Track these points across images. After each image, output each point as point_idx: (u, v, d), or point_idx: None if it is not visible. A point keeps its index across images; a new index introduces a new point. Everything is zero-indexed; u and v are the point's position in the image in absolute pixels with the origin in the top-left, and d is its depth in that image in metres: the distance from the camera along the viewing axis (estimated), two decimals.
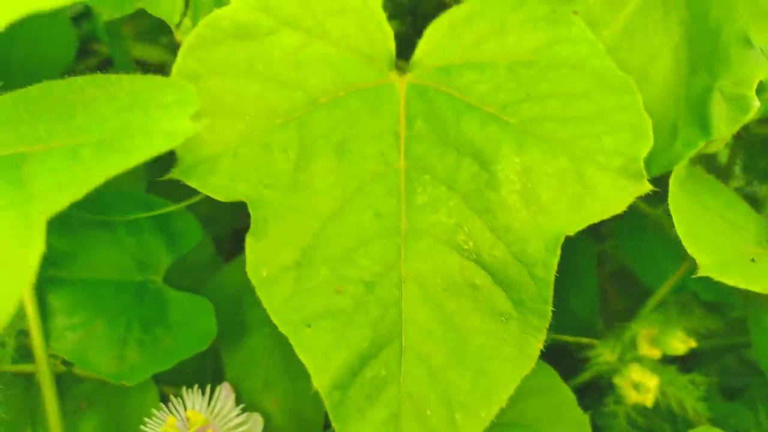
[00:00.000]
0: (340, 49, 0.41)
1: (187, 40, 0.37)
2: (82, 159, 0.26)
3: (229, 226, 0.65)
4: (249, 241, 0.34)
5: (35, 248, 0.20)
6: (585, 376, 0.53)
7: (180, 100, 0.28)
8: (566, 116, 0.38)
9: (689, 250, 0.34)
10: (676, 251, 0.49)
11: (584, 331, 0.57)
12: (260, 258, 0.34)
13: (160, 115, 0.27)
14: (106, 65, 0.71)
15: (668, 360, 0.51)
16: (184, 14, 0.47)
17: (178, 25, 0.47)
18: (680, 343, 0.49)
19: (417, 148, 0.40)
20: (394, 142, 0.40)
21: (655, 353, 0.50)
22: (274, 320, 0.32)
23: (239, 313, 0.51)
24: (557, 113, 0.38)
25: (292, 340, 0.32)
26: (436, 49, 0.43)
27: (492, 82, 0.41)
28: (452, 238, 0.36)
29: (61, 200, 0.23)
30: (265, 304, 0.33)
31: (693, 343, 0.48)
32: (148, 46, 0.73)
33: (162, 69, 0.65)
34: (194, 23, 0.46)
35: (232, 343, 0.50)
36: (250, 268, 0.34)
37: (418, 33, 0.45)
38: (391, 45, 0.43)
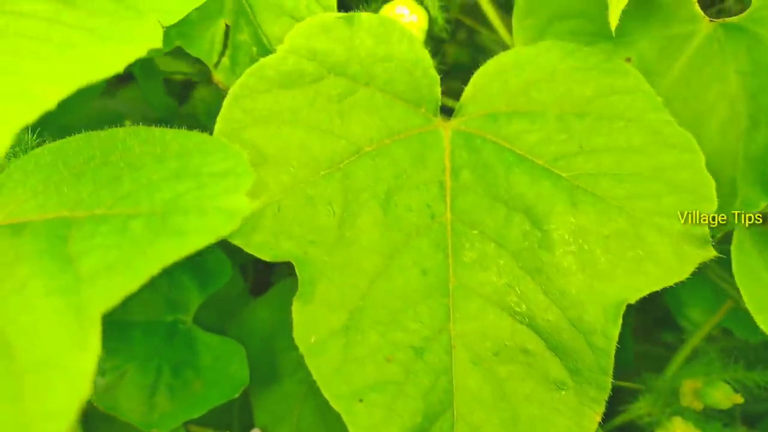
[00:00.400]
0: (385, 96, 0.40)
1: (233, 89, 0.35)
2: (133, 236, 0.25)
3: None
4: (296, 306, 0.33)
5: (91, 352, 0.19)
6: (622, 419, 0.52)
7: (233, 170, 0.27)
8: (622, 173, 0.37)
9: (762, 327, 0.33)
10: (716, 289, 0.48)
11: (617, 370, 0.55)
12: (308, 323, 0.33)
13: (215, 188, 0.26)
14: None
15: (711, 413, 0.49)
16: (222, 54, 0.46)
17: (216, 65, 0.45)
18: (725, 398, 0.47)
19: (463, 200, 0.38)
20: (440, 193, 0.39)
21: (698, 405, 0.49)
22: (325, 393, 0.31)
23: (270, 355, 0.50)
24: (612, 169, 0.37)
25: (344, 417, 0.31)
26: (483, 95, 0.41)
27: (542, 133, 0.39)
28: (503, 299, 0.35)
29: (113, 290, 0.22)
30: (315, 375, 0.32)
31: (739, 399, 0.47)
32: (175, 61, 0.72)
33: (189, 85, 0.64)
34: (233, 63, 0.45)
35: (262, 387, 0.49)
36: (297, 335, 0.32)
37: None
38: (437, 90, 0.42)
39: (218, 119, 0.35)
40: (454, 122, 0.42)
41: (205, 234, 0.23)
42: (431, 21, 0.48)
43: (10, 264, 0.25)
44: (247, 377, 0.45)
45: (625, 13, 0.41)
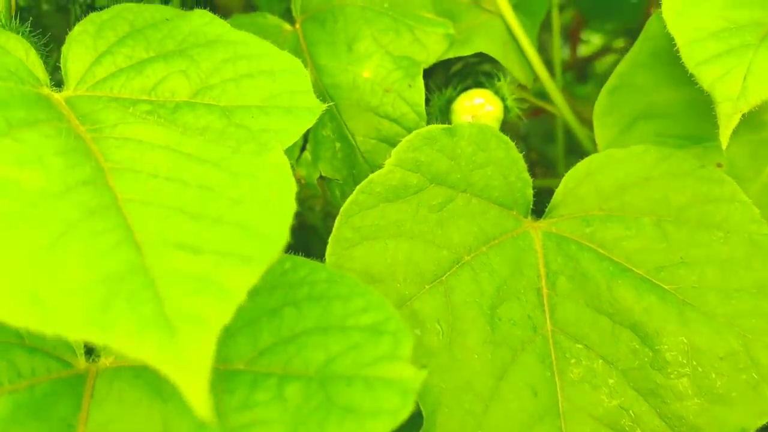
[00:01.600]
0: (480, 201, 0.40)
1: (344, 208, 0.35)
2: (296, 409, 0.24)
3: None
4: None
5: None
6: None
7: (385, 327, 0.26)
8: (728, 288, 0.37)
9: None
10: None
11: None
12: None
13: (372, 351, 0.25)
14: None
15: None
16: (303, 148, 0.45)
17: (297, 159, 0.45)
18: None
19: (563, 310, 0.38)
20: (538, 301, 0.39)
21: None
22: None
23: None
24: (717, 283, 0.37)
25: None
26: (574, 197, 0.41)
27: (640, 241, 0.39)
28: (616, 422, 0.35)
29: None
30: None
31: None
32: None
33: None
34: (314, 158, 0.44)
35: None
36: None
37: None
38: (529, 192, 0.41)
39: (330, 240, 0.35)
40: (543, 223, 0.42)
41: (382, 419, 0.22)
42: (506, 109, 0.48)
43: None
44: None
45: (710, 118, 0.41)
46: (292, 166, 0.45)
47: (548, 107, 0.64)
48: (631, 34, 1.11)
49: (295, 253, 0.31)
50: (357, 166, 0.44)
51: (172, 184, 0.28)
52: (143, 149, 0.31)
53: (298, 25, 0.49)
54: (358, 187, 0.35)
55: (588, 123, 0.69)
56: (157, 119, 0.34)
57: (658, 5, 0.40)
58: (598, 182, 0.41)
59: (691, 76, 0.37)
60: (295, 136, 0.34)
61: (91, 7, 0.60)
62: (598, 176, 0.41)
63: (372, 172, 0.44)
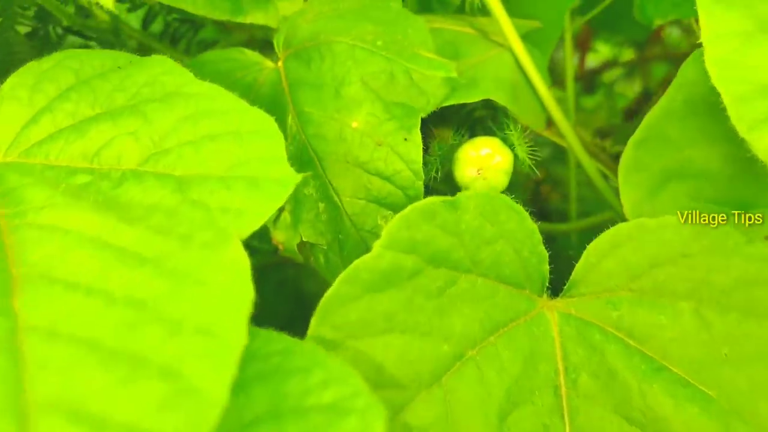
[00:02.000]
0: (487, 282, 0.33)
1: (321, 304, 0.29)
2: None
3: None
4: None
5: None
6: None
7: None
8: None
9: None
10: None
11: None
12: None
13: None
14: None
15: None
16: (282, 208, 0.39)
17: (275, 221, 0.39)
18: None
19: (586, 416, 0.32)
20: (555, 404, 0.32)
21: None
22: None
23: None
24: None
25: None
26: (597, 273, 0.35)
27: (677, 330, 0.33)
28: None
29: None
30: None
31: None
32: None
33: None
34: (295, 220, 0.38)
35: None
36: None
37: None
38: (545, 268, 0.35)
39: (306, 340, 0.29)
40: (560, 303, 0.35)
41: None
42: (517, 161, 0.42)
43: None
44: None
45: (757, 181, 0.35)
46: (268, 229, 0.39)
47: (561, 142, 0.59)
48: (640, 46, 1.06)
49: None
50: (343, 231, 0.38)
51: (93, 299, 0.22)
52: (69, 244, 0.25)
53: (280, 63, 0.43)
54: (340, 276, 0.29)
55: (598, 149, 0.63)
56: (95, 197, 0.28)
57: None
58: (627, 257, 0.35)
59: (735, 132, 0.31)
60: (260, 219, 0.28)
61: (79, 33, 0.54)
62: (626, 250, 0.35)
63: (360, 236, 0.38)
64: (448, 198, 0.32)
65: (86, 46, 0.55)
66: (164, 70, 0.33)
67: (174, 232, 0.27)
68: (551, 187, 0.88)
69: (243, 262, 0.25)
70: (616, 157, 0.64)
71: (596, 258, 0.35)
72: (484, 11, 0.45)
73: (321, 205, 0.38)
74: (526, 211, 0.43)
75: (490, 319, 0.33)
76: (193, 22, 0.61)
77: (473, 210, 0.32)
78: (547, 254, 0.35)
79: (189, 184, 0.29)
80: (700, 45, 0.33)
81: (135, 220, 0.27)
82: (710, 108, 0.37)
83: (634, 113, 1.05)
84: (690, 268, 0.34)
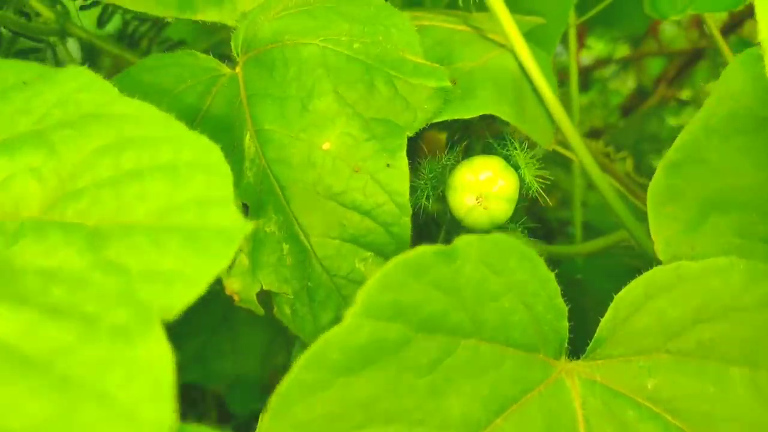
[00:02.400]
0: (493, 347, 0.27)
1: (274, 399, 0.22)
2: None
3: None
4: None
5: None
6: None
7: None
8: None
9: None
10: None
11: None
12: None
13: None
14: None
15: None
16: (239, 251, 0.32)
17: (229, 268, 0.32)
18: None
19: None
20: None
21: None
22: None
23: None
24: None
25: None
26: (628, 330, 0.29)
27: (728, 404, 0.27)
28: None
29: None
30: None
31: None
32: None
33: None
34: (254, 265, 0.31)
35: None
36: None
37: None
38: (564, 326, 0.29)
39: None
40: (583, 366, 0.29)
41: None
42: (523, 184, 0.35)
43: None
44: None
45: None
46: (220, 277, 0.32)
47: (568, 154, 0.53)
48: (635, 41, 1.00)
49: None
50: (313, 277, 0.31)
51: None
52: None
53: (239, 69, 0.36)
54: (301, 359, 0.22)
55: (607, 160, 0.57)
56: None
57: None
58: (663, 310, 0.28)
59: None
60: (197, 288, 0.21)
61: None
62: (662, 301, 0.28)
63: (334, 284, 0.31)
64: (442, 247, 0.25)
65: (35, 50, 0.47)
66: (80, 86, 0.26)
67: (76, 312, 0.20)
68: (556, 198, 0.82)
69: (163, 364, 0.18)
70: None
71: (626, 311, 0.29)
72: (481, 6, 0.38)
73: (285, 246, 0.31)
74: (522, 225, 0.36)
75: (496, 395, 0.26)
76: (156, 20, 0.53)
77: (475, 259, 0.26)
78: (566, 308, 0.28)
79: (105, 239, 0.22)
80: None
81: (28, 296, 0.20)
82: (761, 124, 0.30)
83: (629, 110, 0.99)
84: (742, 324, 0.28)
